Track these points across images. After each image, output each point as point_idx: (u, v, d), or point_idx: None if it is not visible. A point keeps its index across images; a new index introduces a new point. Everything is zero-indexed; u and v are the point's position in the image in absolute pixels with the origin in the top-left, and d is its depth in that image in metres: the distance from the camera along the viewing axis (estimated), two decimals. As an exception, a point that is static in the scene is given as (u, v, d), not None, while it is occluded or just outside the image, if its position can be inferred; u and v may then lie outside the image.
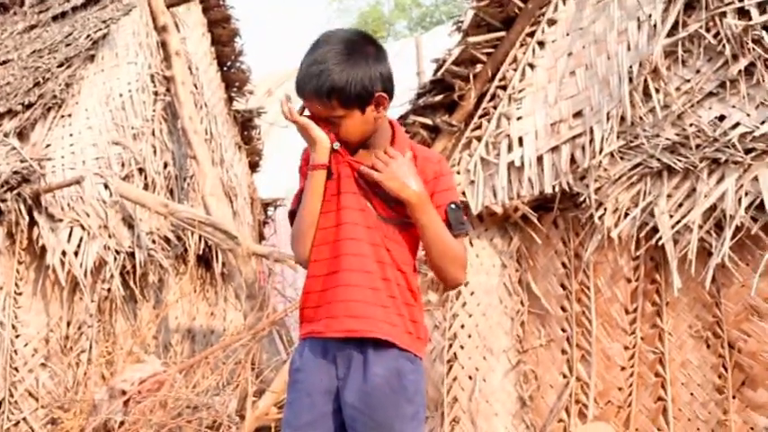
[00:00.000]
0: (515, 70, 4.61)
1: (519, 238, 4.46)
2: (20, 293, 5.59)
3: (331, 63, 2.16)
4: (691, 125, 3.92)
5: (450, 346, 4.53)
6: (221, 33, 7.62)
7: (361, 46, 2.22)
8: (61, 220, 5.68)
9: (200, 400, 4.86)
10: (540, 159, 4.35)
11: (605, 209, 4.02)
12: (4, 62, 7.22)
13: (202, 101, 7.14)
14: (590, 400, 4.09)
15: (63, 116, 6.18)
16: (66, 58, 6.49)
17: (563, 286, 4.27)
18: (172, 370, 5.12)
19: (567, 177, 4.20)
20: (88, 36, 6.65)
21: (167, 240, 6.38)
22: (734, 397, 3.72)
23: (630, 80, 4.15)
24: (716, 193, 3.72)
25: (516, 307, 4.41)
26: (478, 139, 4.60)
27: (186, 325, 6.62)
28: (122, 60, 6.71)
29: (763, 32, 3.84)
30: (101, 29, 6.65)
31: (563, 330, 4.24)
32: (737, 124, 3.80)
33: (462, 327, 4.53)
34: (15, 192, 5.55)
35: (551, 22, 4.61)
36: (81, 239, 5.70)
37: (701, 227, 3.75)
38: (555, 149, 4.32)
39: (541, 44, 4.61)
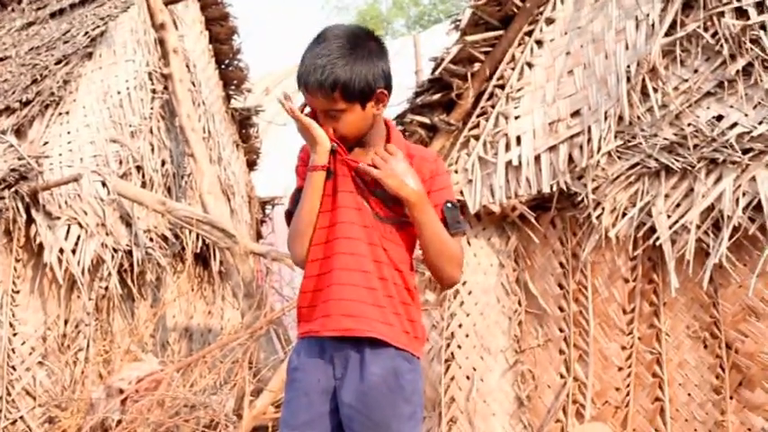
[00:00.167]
0: (513, 69, 4.61)
1: (516, 237, 4.45)
2: (17, 291, 5.58)
3: (335, 56, 2.16)
4: (688, 125, 3.91)
5: (448, 345, 4.52)
6: (219, 31, 7.61)
7: (364, 41, 2.23)
8: (59, 218, 5.67)
9: (197, 399, 4.85)
10: (537, 159, 4.35)
11: (603, 208, 4.02)
12: (2, 59, 7.22)
13: (200, 99, 7.13)
14: (587, 400, 4.08)
15: (60, 113, 6.18)
16: (64, 55, 6.49)
17: (560, 286, 4.27)
18: (169, 369, 5.12)
19: (565, 177, 4.20)
20: (86, 33, 6.65)
21: (165, 238, 6.37)
22: (731, 397, 3.72)
23: (628, 80, 4.14)
24: (713, 193, 3.72)
25: (514, 306, 4.40)
26: (476, 138, 4.60)
27: (184, 323, 6.61)
28: (120, 58, 6.70)
29: (761, 32, 3.84)
30: (99, 26, 6.65)
31: (560, 330, 4.23)
32: (735, 124, 3.80)
33: (460, 326, 4.52)
34: (13, 189, 5.55)
35: (549, 21, 4.61)
36: (78, 237, 5.69)
37: (698, 227, 3.75)
38: (553, 149, 4.32)
39: (539, 43, 4.61)
